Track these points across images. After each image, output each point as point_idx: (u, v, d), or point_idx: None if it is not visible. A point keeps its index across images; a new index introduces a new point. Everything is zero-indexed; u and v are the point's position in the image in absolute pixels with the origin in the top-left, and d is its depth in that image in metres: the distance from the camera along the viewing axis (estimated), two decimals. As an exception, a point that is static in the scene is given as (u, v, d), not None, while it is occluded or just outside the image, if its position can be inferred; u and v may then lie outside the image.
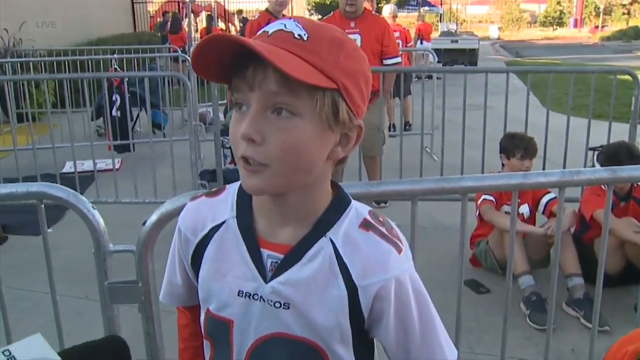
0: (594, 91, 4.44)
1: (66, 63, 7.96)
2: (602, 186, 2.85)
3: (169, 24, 13.40)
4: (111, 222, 1.81)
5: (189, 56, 8.08)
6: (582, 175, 1.83)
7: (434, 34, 17.29)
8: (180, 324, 1.12)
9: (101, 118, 6.55)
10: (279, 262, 0.88)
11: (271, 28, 0.82)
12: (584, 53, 23.55)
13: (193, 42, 9.82)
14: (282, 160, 0.80)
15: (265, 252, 0.89)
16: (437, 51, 10.85)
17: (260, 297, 0.89)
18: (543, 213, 3.49)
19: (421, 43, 12.49)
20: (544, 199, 3.45)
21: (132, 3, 16.12)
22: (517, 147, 3.44)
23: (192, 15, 12.02)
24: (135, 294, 1.65)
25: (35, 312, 2.91)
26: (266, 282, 0.89)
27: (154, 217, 1.58)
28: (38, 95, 7.27)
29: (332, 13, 4.69)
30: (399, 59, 4.62)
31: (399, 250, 0.89)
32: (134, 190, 4.55)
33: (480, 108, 4.57)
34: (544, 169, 4.12)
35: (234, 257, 0.91)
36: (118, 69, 6.84)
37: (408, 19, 24.29)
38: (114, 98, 6.02)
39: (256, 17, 7.18)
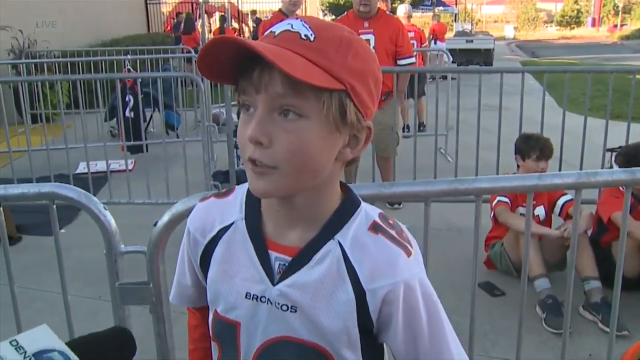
0: (612, 91, 4.38)
1: (80, 64, 8.03)
2: (620, 188, 2.81)
3: (182, 24, 13.46)
4: (124, 222, 1.82)
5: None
6: (599, 176, 1.79)
7: (449, 34, 17.21)
8: (191, 325, 1.11)
9: (114, 119, 6.57)
10: (286, 264, 0.87)
11: (278, 28, 0.81)
12: (602, 53, 23.20)
13: (206, 43, 9.82)
14: (289, 163, 0.79)
15: (273, 254, 0.88)
16: (452, 51, 10.77)
17: (268, 299, 0.88)
18: (559, 215, 3.45)
19: (435, 43, 12.43)
20: (560, 201, 3.41)
21: (146, 4, 16.19)
22: (532, 148, 3.40)
23: (205, 15, 12.05)
24: (146, 295, 1.65)
25: (48, 312, 2.92)
26: (274, 284, 0.87)
27: (165, 218, 1.58)
28: (52, 96, 7.34)
29: (345, 13, 4.66)
30: (413, 59, 4.59)
31: (409, 253, 0.87)
32: (146, 191, 4.58)
33: (495, 109, 4.53)
34: (560, 170, 4.07)
35: (242, 258, 0.90)
36: (131, 69, 6.86)
37: (423, 19, 24.18)
38: (127, 99, 6.04)
39: (269, 17, 7.19)
